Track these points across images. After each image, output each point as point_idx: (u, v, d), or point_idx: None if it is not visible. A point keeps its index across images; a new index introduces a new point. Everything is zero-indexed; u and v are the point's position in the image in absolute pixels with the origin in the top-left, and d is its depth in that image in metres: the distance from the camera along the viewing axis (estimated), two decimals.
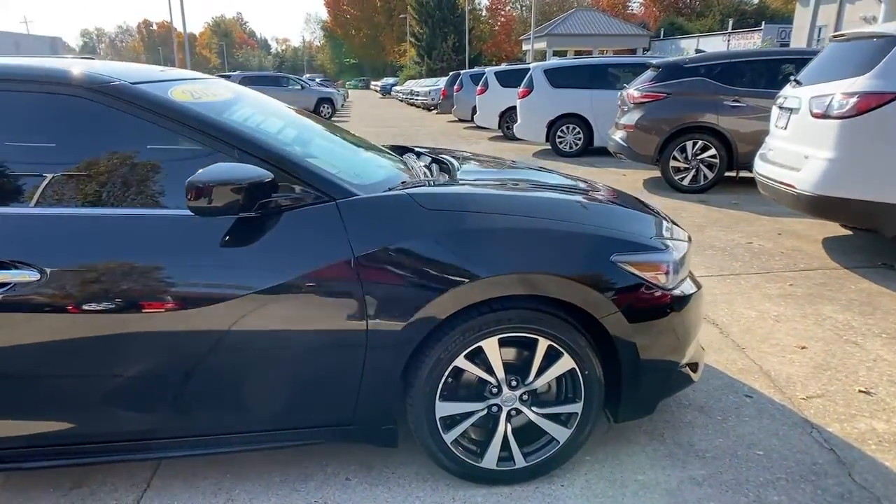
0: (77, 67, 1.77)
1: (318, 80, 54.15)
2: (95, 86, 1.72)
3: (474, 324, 1.82)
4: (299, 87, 20.09)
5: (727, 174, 6.89)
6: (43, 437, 1.74)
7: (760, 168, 4.77)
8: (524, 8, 67.47)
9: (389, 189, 1.92)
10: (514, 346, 1.89)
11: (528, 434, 1.98)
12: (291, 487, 2.01)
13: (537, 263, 1.82)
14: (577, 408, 1.96)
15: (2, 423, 1.71)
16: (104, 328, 1.64)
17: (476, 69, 16.39)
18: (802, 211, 4.26)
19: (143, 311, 1.64)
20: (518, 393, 1.93)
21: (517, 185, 2.28)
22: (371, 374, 1.80)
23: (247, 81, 18.95)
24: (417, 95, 27.65)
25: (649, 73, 7.29)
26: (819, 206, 4.02)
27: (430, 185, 2.04)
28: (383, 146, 3.01)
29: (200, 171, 1.57)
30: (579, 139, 10.21)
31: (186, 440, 1.81)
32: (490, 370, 1.88)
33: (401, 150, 3.01)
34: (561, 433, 1.97)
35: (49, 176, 1.70)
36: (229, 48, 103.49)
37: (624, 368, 1.95)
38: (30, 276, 1.60)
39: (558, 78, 10.28)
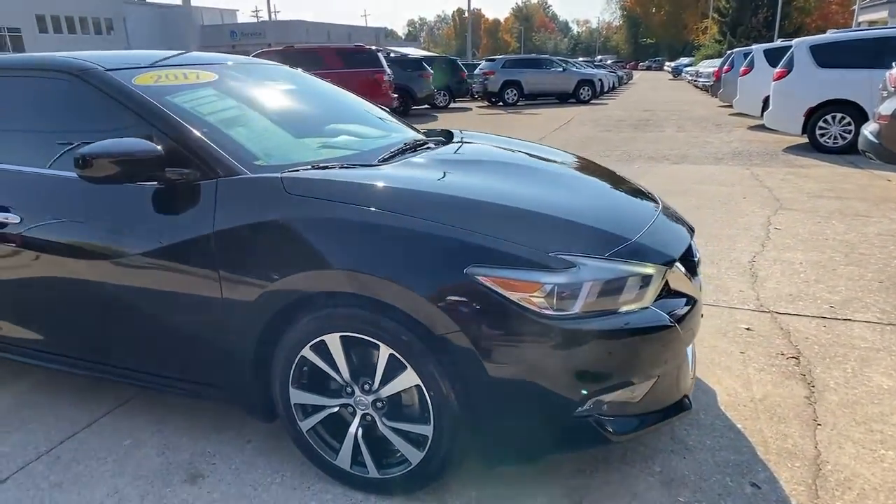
0: (70, 57, 2.21)
1: (609, 61, 53.03)
2: (77, 71, 2.13)
3: (318, 315, 1.76)
4: (560, 69, 20.05)
5: None
6: (34, 343, 2.29)
7: None
8: None
9: (288, 170, 1.94)
10: (363, 347, 1.76)
11: (385, 445, 1.84)
12: (205, 434, 2.24)
13: (371, 263, 1.66)
14: (427, 430, 1.74)
15: (9, 325, 2.30)
16: (45, 266, 2.09)
17: (751, 46, 14.08)
18: None
19: (64, 255, 2.04)
20: (371, 399, 1.80)
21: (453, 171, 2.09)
22: (230, 342, 1.89)
23: (509, 64, 19.69)
24: (700, 77, 25.09)
25: None
26: None
27: (330, 169, 1.99)
28: (414, 127, 2.98)
29: (92, 144, 1.83)
30: (848, 131, 8.15)
31: (94, 364, 2.20)
32: (336, 367, 1.80)
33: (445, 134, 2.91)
34: (413, 454, 1.78)
35: (33, 143, 2.19)
36: (528, 32, 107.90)
37: (474, 400, 1.66)
38: (14, 218, 2.11)
39: (828, 55, 8.30)
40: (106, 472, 2.05)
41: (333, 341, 1.76)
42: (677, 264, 1.91)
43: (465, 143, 2.66)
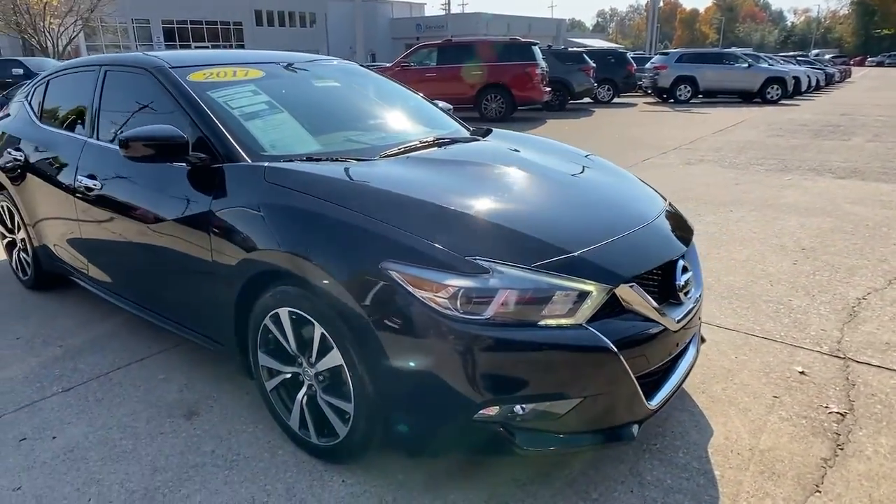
0: (151, 55, 2.67)
1: (827, 56, 46.59)
2: (151, 67, 2.58)
3: (274, 290, 1.97)
4: (745, 65, 18.13)
5: None
6: (108, 284, 2.83)
7: None
8: None
9: (285, 160, 2.17)
10: (305, 324, 1.92)
11: (324, 415, 1.99)
12: (219, 382, 2.58)
13: (306, 247, 1.83)
14: (350, 408, 1.87)
15: (95, 269, 2.88)
16: (111, 223, 2.62)
17: None
18: None
19: (122, 216, 2.54)
20: (313, 371, 1.97)
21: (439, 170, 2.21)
22: (219, 303, 2.18)
23: (685, 58, 18.35)
24: None
25: None
26: None
27: (320, 162, 2.18)
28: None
29: (132, 129, 2.22)
30: None
31: (142, 308, 2.70)
32: (287, 339, 2.00)
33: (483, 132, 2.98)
34: (340, 428, 1.92)
35: (113, 122, 2.70)
36: (730, 23, 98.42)
37: (383, 387, 1.75)
38: (97, 185, 2.64)
39: None
40: (135, 398, 2.49)
41: (284, 315, 1.96)
42: (633, 286, 1.79)
43: (483, 141, 2.70)
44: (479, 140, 2.78)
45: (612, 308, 1.77)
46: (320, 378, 1.96)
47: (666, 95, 18.55)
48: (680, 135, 10.88)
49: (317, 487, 1.94)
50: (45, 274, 3.44)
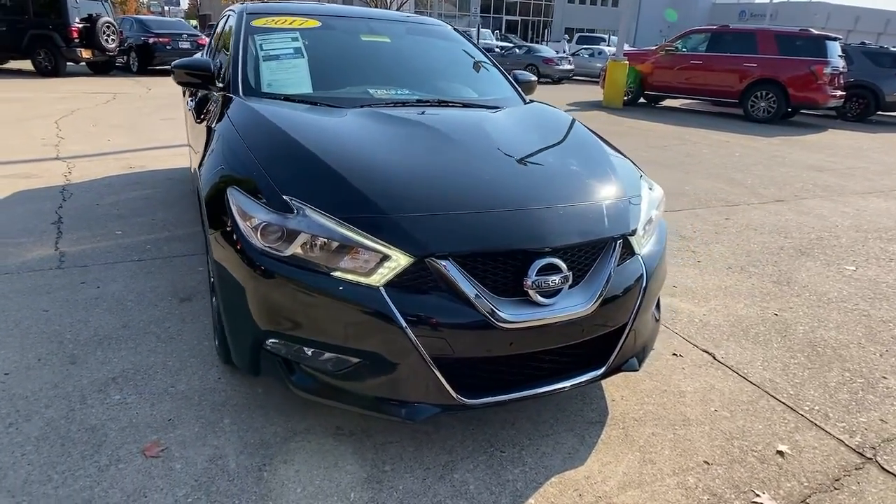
0: (248, 3, 3.22)
1: None
2: (237, 10, 3.13)
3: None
4: None
5: None
6: None
7: None
8: None
9: (268, 98, 2.51)
10: None
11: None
12: None
13: (205, 168, 2.14)
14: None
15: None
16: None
17: None
18: None
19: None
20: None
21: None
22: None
23: None
24: None
25: None
26: None
27: (291, 102, 2.47)
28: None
29: (180, 59, 2.79)
30: None
31: None
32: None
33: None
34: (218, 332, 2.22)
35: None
36: None
37: (216, 299, 1.98)
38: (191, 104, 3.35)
39: None
40: (167, 278, 3.12)
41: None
42: (448, 263, 1.67)
43: (479, 112, 2.69)
44: (487, 109, 2.75)
45: (429, 281, 1.69)
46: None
47: None
48: None
49: (196, 376, 2.27)
50: None
